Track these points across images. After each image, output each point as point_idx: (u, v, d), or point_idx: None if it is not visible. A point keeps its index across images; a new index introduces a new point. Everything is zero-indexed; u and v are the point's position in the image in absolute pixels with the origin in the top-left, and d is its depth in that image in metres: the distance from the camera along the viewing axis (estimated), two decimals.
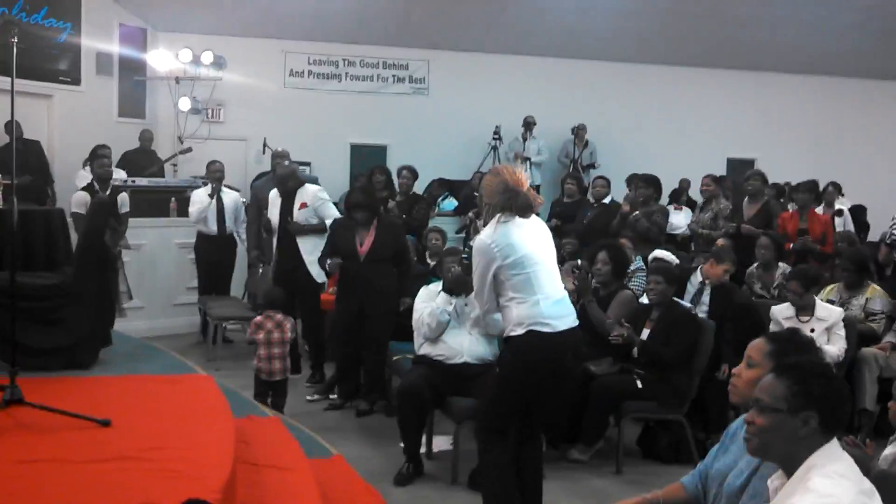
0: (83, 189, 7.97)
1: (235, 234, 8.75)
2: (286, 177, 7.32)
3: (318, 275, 7.16)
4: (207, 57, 11.81)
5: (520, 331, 4.08)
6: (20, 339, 4.54)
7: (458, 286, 5.38)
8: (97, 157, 8.27)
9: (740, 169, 12.78)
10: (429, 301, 5.50)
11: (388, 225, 6.75)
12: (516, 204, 4.13)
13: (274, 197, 7.37)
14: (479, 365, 5.28)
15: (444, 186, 11.91)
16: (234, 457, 3.63)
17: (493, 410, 4.30)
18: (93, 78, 11.27)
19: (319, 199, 7.29)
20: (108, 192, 7.81)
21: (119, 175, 9.00)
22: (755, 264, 7.29)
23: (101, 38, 11.34)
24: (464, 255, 5.50)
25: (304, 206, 7.21)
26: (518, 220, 4.15)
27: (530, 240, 4.17)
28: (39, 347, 4.79)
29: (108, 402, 4.17)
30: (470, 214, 9.37)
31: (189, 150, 10.70)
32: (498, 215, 4.14)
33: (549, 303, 4.12)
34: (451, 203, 11.52)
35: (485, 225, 4.24)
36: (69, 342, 4.93)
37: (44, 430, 3.77)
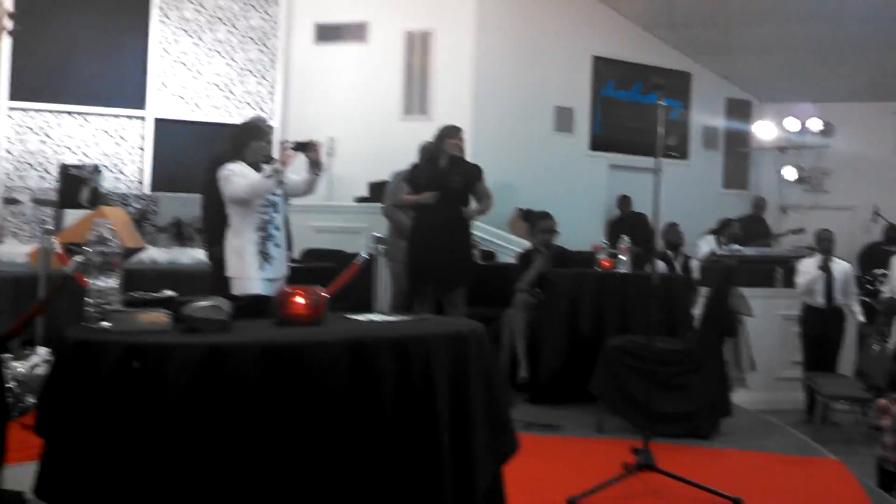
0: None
1: (845, 307, 8.20)
2: None
3: None
4: (815, 124, 11.44)
5: None
6: (647, 402, 4.70)
7: None
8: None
9: None
10: None
11: None
12: None
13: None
14: None
15: None
16: None
17: None
18: (699, 152, 11.68)
19: None
20: None
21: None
22: None
23: (708, 113, 11.74)
24: None
25: None
26: None
27: None
28: (663, 412, 4.90)
29: (734, 478, 4.08)
30: None
31: (801, 230, 10.36)
32: None
33: None
34: None
35: None
36: (691, 409, 4.97)
37: (674, 501, 3.80)
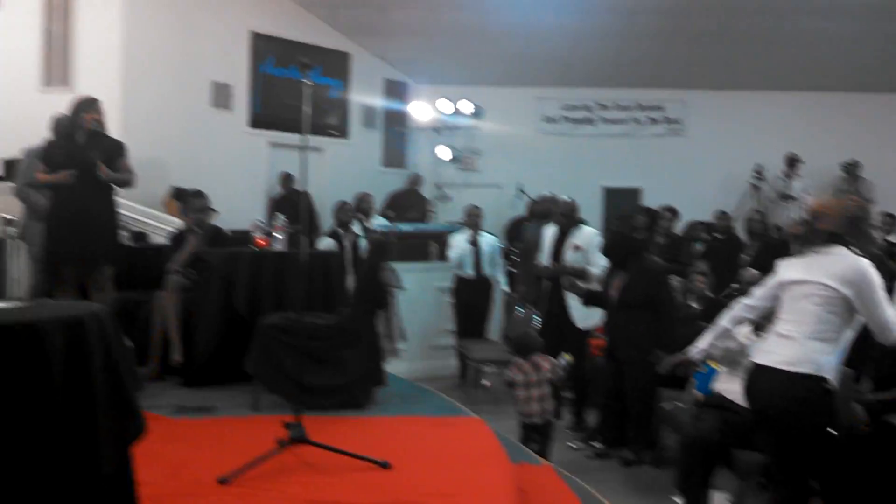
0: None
1: (492, 278, 8.80)
2: (570, 209, 7.11)
3: (580, 320, 6.96)
4: (466, 107, 12.10)
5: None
6: (302, 377, 4.71)
7: None
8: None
9: None
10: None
11: (643, 269, 6.40)
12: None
13: (549, 237, 7.24)
14: None
15: (701, 228, 11.42)
16: None
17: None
18: (359, 131, 11.93)
19: (594, 244, 7.04)
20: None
21: (381, 221, 9.41)
22: None
23: (367, 93, 12.02)
24: None
25: (577, 248, 7.01)
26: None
27: None
28: (318, 386, 4.94)
29: (385, 443, 4.20)
30: None
31: (448, 198, 10.93)
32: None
33: None
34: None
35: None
36: (346, 381, 5.05)
37: (327, 471, 3.83)
